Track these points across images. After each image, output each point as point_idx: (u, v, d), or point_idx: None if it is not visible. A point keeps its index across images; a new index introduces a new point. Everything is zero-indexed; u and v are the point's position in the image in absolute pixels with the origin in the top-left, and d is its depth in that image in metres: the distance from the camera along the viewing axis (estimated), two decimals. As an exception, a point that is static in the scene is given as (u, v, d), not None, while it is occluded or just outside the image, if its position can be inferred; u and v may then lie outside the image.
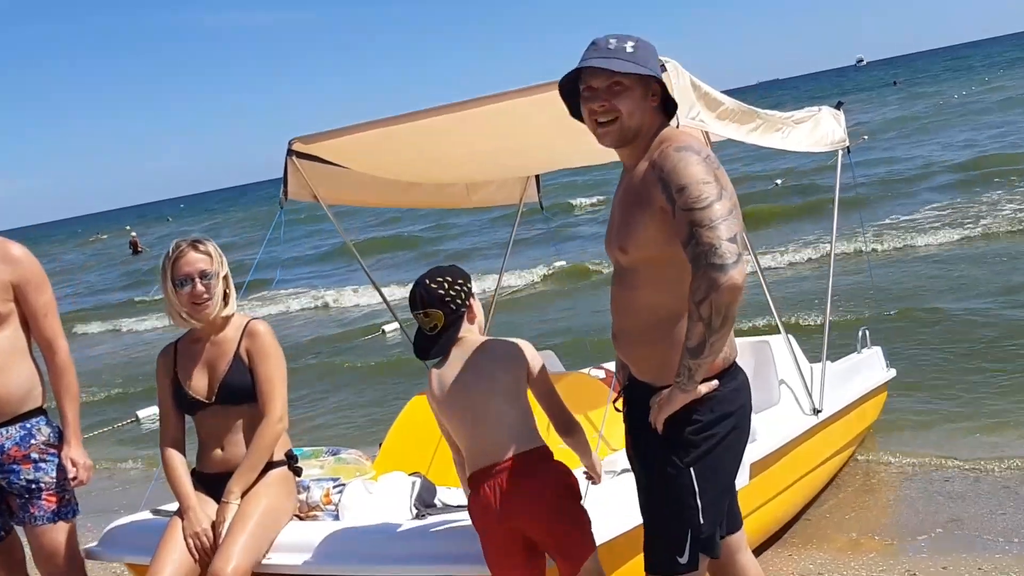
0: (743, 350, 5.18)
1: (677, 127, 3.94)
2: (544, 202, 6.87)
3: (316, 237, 32.00)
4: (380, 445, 4.62)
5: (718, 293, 2.44)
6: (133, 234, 45.40)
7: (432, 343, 3.01)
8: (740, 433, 2.74)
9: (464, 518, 3.53)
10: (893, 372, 6.46)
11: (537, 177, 6.71)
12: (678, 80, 4.01)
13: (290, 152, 4.99)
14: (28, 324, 3.70)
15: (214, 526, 3.40)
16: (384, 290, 6.20)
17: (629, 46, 2.64)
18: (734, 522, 2.98)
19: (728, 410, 2.68)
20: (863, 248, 13.08)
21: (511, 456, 2.87)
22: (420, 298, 3.01)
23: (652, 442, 2.66)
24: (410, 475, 3.83)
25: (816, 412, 4.93)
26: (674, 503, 2.64)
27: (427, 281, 3.02)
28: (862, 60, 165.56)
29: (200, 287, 3.51)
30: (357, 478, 3.81)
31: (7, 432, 3.61)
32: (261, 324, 3.62)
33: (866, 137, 26.40)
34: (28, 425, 3.65)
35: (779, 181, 23.57)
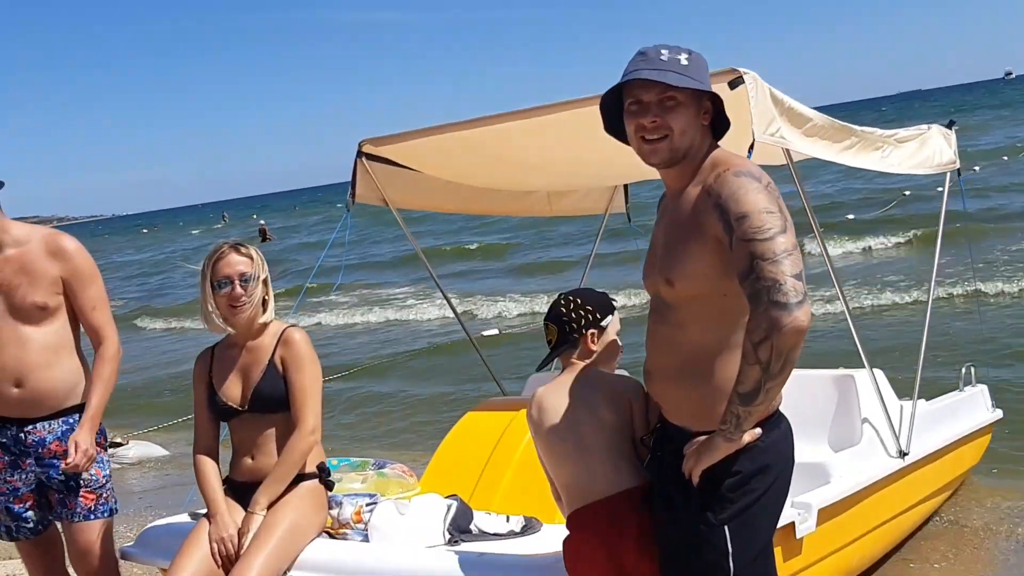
0: (825, 383, 4.90)
1: (752, 144, 3.75)
2: (633, 214, 6.63)
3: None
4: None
5: (780, 335, 2.19)
6: (262, 222, 46.62)
7: (547, 357, 3.05)
8: (781, 488, 2.48)
9: (497, 548, 3.36)
10: (999, 413, 5.98)
11: (626, 187, 6.47)
12: (756, 93, 3.75)
13: (360, 154, 4.90)
14: (77, 319, 3.69)
15: (239, 535, 3.31)
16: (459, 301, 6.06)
17: (683, 58, 2.41)
18: None
19: (770, 462, 2.42)
20: (971, 286, 11.96)
21: (617, 492, 2.74)
22: (549, 308, 3.05)
23: (684, 493, 2.43)
24: (446, 498, 3.67)
25: (902, 455, 4.57)
26: (704, 564, 2.40)
27: (561, 296, 3.03)
28: (1011, 73, 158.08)
29: (239, 289, 3.42)
30: (389, 498, 3.66)
31: (49, 426, 3.60)
32: (297, 332, 3.51)
33: (976, 169, 24.63)
34: (70, 421, 3.63)
35: (907, 192, 22.25)
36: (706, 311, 2.41)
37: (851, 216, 20.88)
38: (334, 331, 16.90)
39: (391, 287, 21.56)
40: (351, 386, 11.51)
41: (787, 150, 4.01)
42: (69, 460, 3.51)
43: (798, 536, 3.81)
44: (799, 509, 3.84)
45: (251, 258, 3.47)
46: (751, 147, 3.76)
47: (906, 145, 5.13)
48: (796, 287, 2.20)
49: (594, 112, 3.99)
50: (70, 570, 3.83)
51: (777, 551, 3.66)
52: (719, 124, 2.50)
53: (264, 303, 3.50)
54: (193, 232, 67.67)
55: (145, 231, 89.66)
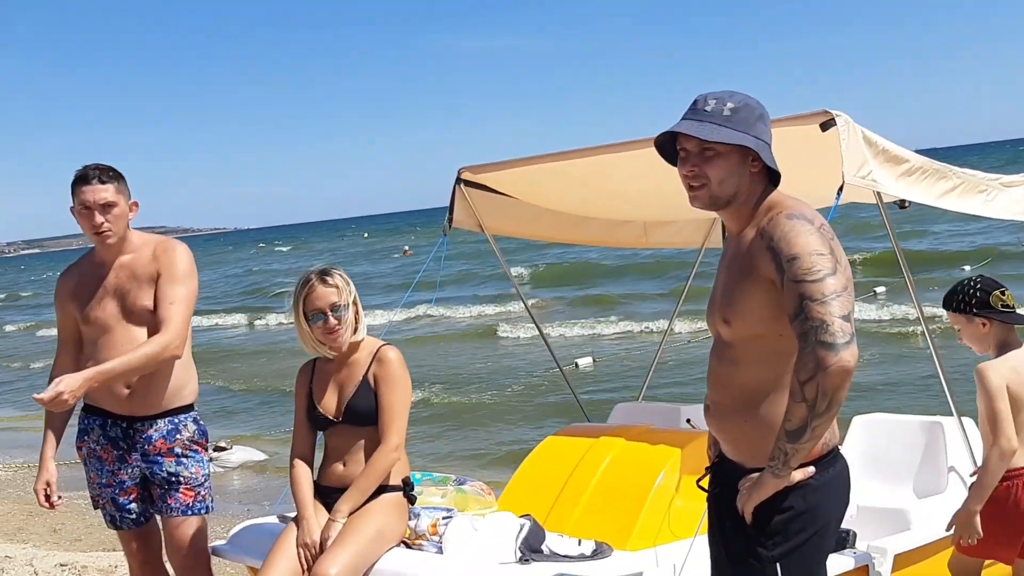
0: (913, 429, 4.83)
1: (841, 186, 3.77)
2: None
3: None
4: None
5: (825, 375, 2.25)
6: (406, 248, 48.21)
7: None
8: (833, 527, 2.52)
9: (567, 569, 3.44)
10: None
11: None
12: (848, 135, 3.78)
13: (458, 180, 5.06)
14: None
15: (322, 539, 3.47)
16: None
17: (728, 109, 2.47)
18: None
19: (823, 501, 2.46)
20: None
21: None
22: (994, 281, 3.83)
23: (737, 529, 2.49)
24: (520, 517, 3.77)
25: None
26: None
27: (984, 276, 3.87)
28: None
29: (332, 320, 3.58)
30: (464, 513, 3.78)
31: (156, 425, 3.82)
32: (392, 351, 3.66)
33: None
34: (176, 420, 3.85)
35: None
36: (761, 350, 2.47)
37: (966, 267, 20.32)
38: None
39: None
40: (446, 401, 11.77)
41: (878, 192, 4.02)
42: (40, 395, 3.48)
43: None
44: (875, 553, 3.83)
45: (338, 287, 3.62)
46: (840, 189, 3.79)
47: (1013, 190, 5.04)
48: (844, 328, 2.25)
49: None
50: (166, 563, 4.06)
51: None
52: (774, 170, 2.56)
53: (356, 322, 3.66)
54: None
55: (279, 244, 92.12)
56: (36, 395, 3.52)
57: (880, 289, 18.01)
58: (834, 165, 3.80)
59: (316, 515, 3.57)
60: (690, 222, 6.32)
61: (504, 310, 21.66)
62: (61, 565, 5.89)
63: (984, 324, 3.74)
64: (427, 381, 13.72)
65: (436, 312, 21.44)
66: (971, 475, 3.99)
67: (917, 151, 4.53)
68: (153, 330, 3.73)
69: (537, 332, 6.36)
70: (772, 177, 2.58)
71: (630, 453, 4.23)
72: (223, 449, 9.51)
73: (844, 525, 3.79)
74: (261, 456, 9.57)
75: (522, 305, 6.66)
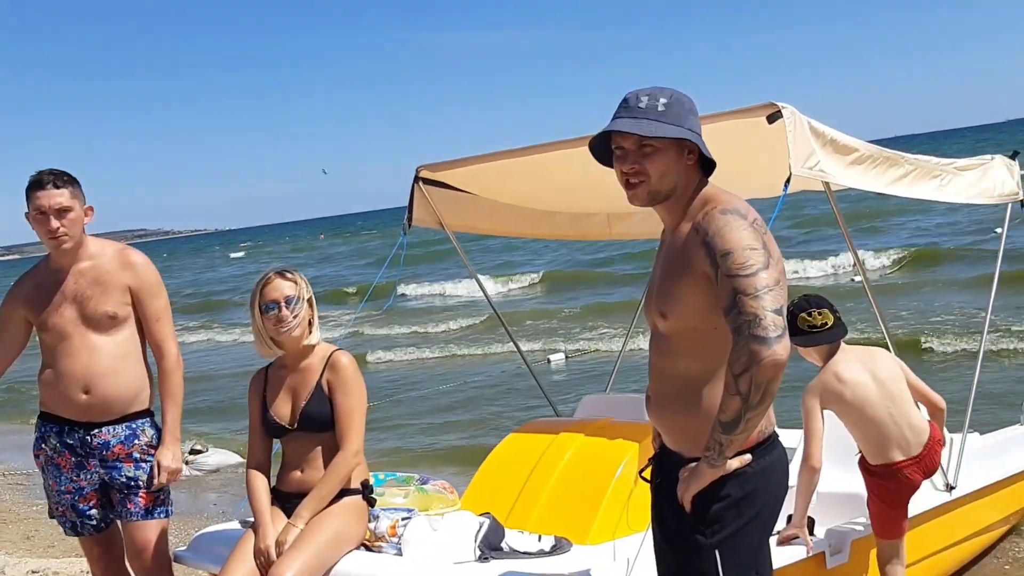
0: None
1: (789, 177, 3.80)
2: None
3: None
4: None
5: (759, 368, 2.28)
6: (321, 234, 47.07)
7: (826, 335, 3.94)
8: (771, 513, 2.55)
9: (525, 566, 3.46)
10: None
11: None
12: (794, 127, 3.81)
13: (417, 179, 5.07)
14: (143, 328, 3.92)
15: (278, 544, 3.48)
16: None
17: (661, 103, 2.50)
18: None
19: (760, 487, 2.49)
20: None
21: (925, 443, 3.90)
22: (812, 299, 4.03)
23: (677, 517, 2.52)
24: (480, 515, 3.79)
25: (949, 488, 4.53)
26: None
27: (813, 295, 4.08)
28: None
29: (284, 311, 3.61)
30: (424, 513, 3.80)
31: (114, 431, 3.82)
32: (344, 356, 3.68)
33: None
34: (134, 426, 3.85)
35: (998, 230, 21.68)
36: (698, 343, 2.50)
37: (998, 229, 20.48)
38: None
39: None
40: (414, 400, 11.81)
41: (826, 183, 4.05)
42: (155, 481, 3.78)
43: (828, 567, 3.83)
44: (831, 539, 3.87)
45: (296, 283, 3.67)
46: (788, 180, 3.82)
47: (966, 174, 5.09)
48: (776, 322, 2.28)
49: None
50: (129, 568, 4.06)
51: (801, 583, 3.72)
52: (708, 162, 2.59)
53: (310, 325, 3.68)
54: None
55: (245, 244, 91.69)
56: (156, 483, 3.80)
57: None
58: (783, 157, 3.82)
59: (274, 522, 3.58)
60: (653, 212, 6.35)
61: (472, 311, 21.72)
62: (33, 572, 5.88)
63: (800, 344, 3.94)
64: (400, 378, 13.89)
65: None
66: (855, 454, 4.11)
67: (875, 141, 4.58)
68: (112, 334, 3.80)
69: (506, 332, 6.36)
70: (705, 170, 2.60)
71: (590, 447, 4.26)
72: (199, 452, 9.49)
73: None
74: (237, 459, 9.55)
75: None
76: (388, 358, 15.75)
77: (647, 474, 2.74)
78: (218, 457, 9.52)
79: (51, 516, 4.06)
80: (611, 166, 2.65)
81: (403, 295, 20.33)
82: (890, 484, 3.85)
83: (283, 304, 3.62)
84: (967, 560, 5.04)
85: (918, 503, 4.36)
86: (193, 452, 9.48)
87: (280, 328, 3.62)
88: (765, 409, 2.34)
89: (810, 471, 3.75)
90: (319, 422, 3.61)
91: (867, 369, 3.92)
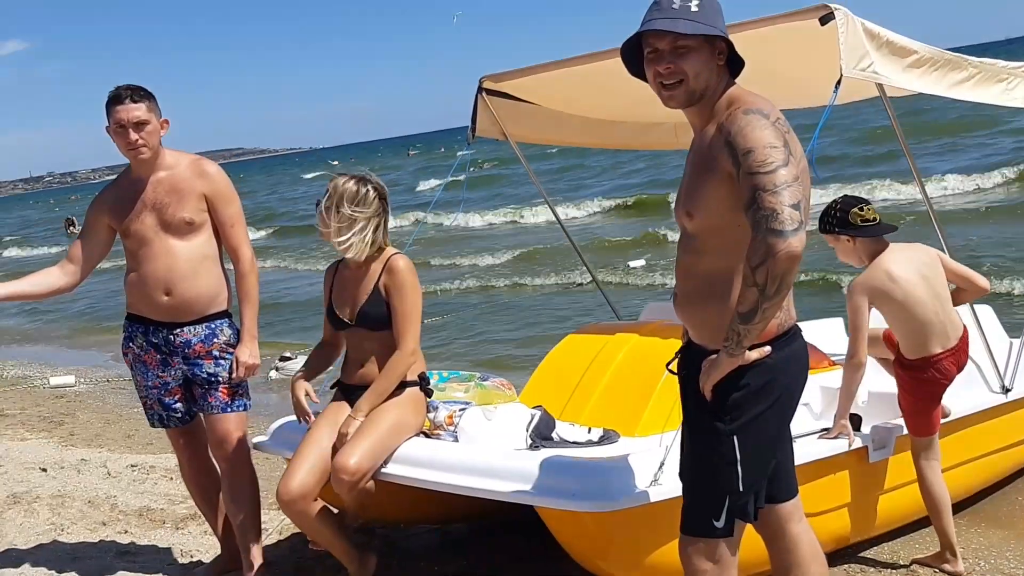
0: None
1: (839, 79, 3.81)
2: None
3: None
4: None
5: (775, 260, 2.38)
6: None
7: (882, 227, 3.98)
8: (788, 402, 2.67)
9: (573, 454, 3.66)
10: None
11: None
12: (847, 28, 3.80)
13: (480, 89, 5.17)
14: (219, 234, 4.16)
15: (340, 435, 3.73)
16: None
17: (694, 4, 2.57)
18: (787, 490, 2.90)
19: (778, 377, 2.61)
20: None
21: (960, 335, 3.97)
22: (859, 200, 4.05)
23: (699, 405, 2.66)
24: (532, 408, 3.99)
25: (1005, 391, 4.56)
26: (714, 467, 2.63)
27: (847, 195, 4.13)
28: None
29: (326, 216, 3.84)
30: (478, 405, 4.01)
31: (194, 330, 4.10)
32: (401, 260, 3.86)
33: None
34: (212, 326, 4.12)
35: None
36: (722, 241, 2.60)
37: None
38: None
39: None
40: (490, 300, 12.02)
41: (881, 86, 4.04)
42: (234, 375, 4.06)
43: (871, 461, 3.94)
44: (875, 435, 3.97)
45: (343, 196, 3.83)
46: (838, 82, 3.83)
47: None
48: (792, 216, 2.37)
49: (736, 37, 4.06)
50: (212, 458, 4.38)
51: (843, 474, 3.85)
52: (735, 63, 2.66)
53: (376, 236, 3.86)
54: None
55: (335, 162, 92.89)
56: (234, 377, 4.08)
57: None
58: (836, 60, 3.83)
59: (338, 414, 3.84)
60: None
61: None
62: (132, 466, 6.33)
63: (849, 240, 3.96)
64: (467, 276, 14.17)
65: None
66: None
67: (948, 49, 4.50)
68: (190, 239, 4.04)
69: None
70: (732, 71, 2.67)
71: (644, 346, 4.40)
72: (288, 359, 9.90)
73: (853, 410, 3.97)
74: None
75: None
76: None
77: (674, 367, 2.88)
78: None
79: (144, 409, 4.40)
80: (639, 75, 2.74)
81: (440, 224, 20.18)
82: (925, 377, 3.89)
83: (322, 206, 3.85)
84: (1019, 466, 5.06)
85: (972, 402, 4.43)
86: (283, 359, 9.90)
87: (323, 230, 3.86)
88: (781, 300, 2.45)
89: (854, 367, 3.82)
90: (375, 321, 3.83)
91: (915, 267, 3.95)
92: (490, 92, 5.20)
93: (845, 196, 4.11)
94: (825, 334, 5.21)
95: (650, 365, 4.25)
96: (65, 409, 8.85)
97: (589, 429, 3.93)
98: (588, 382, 4.33)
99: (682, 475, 2.77)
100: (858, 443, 3.88)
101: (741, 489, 2.62)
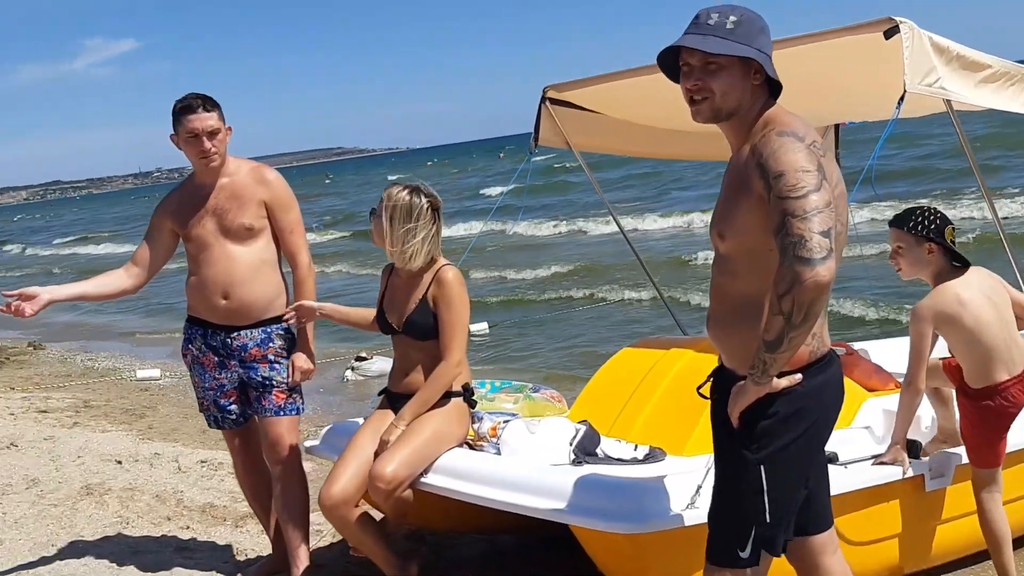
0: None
1: (903, 95, 3.69)
2: (841, 156, 6.46)
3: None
4: None
5: (801, 288, 2.32)
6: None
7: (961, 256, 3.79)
8: (819, 431, 2.59)
9: (616, 472, 3.61)
10: None
11: (836, 128, 6.32)
12: (912, 42, 3.69)
13: (544, 99, 5.16)
14: (278, 241, 4.24)
15: (381, 442, 3.76)
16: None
17: (731, 21, 2.52)
18: (820, 522, 2.80)
19: (809, 406, 2.54)
20: None
21: None
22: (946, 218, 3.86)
23: (727, 432, 2.61)
24: (577, 423, 3.96)
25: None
26: (740, 496, 2.57)
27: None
28: None
29: (381, 221, 3.88)
30: (521, 418, 4.00)
31: (250, 334, 4.18)
32: (451, 271, 3.86)
33: None
34: (268, 330, 4.20)
35: None
36: (754, 263, 2.54)
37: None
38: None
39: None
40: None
41: (948, 101, 3.90)
42: (290, 379, 4.15)
43: (928, 489, 3.80)
44: (933, 463, 3.83)
45: (397, 206, 3.86)
46: (901, 99, 3.72)
47: None
48: (822, 244, 2.31)
49: (798, 50, 4.01)
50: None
51: (896, 503, 3.72)
52: (775, 83, 2.59)
53: (430, 249, 3.88)
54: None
55: (430, 163, 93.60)
56: (291, 381, 4.18)
57: None
58: (900, 75, 3.72)
59: (383, 418, 3.90)
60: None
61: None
62: (202, 462, 6.49)
63: (930, 251, 3.75)
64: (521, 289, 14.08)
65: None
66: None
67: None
68: (249, 245, 4.13)
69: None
70: (773, 91, 2.61)
71: (698, 363, 4.32)
72: (364, 359, 10.04)
73: (911, 436, 3.84)
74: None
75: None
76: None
77: (705, 390, 2.82)
78: (380, 364, 10.02)
79: (200, 410, 4.51)
80: (679, 82, 2.70)
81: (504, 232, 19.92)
82: (992, 405, 3.74)
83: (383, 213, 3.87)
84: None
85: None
86: (358, 359, 10.04)
87: (377, 239, 3.90)
88: (808, 329, 2.38)
89: (912, 393, 3.70)
90: (422, 330, 3.85)
91: (983, 290, 3.80)
92: (553, 101, 5.19)
93: (939, 209, 3.95)
94: (897, 354, 5.05)
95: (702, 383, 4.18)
96: (148, 402, 9.12)
97: (635, 446, 3.88)
98: (639, 397, 4.28)
99: (712, 501, 2.72)
100: (913, 471, 3.75)
101: (768, 520, 2.55)
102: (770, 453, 2.53)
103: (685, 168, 31.88)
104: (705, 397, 2.82)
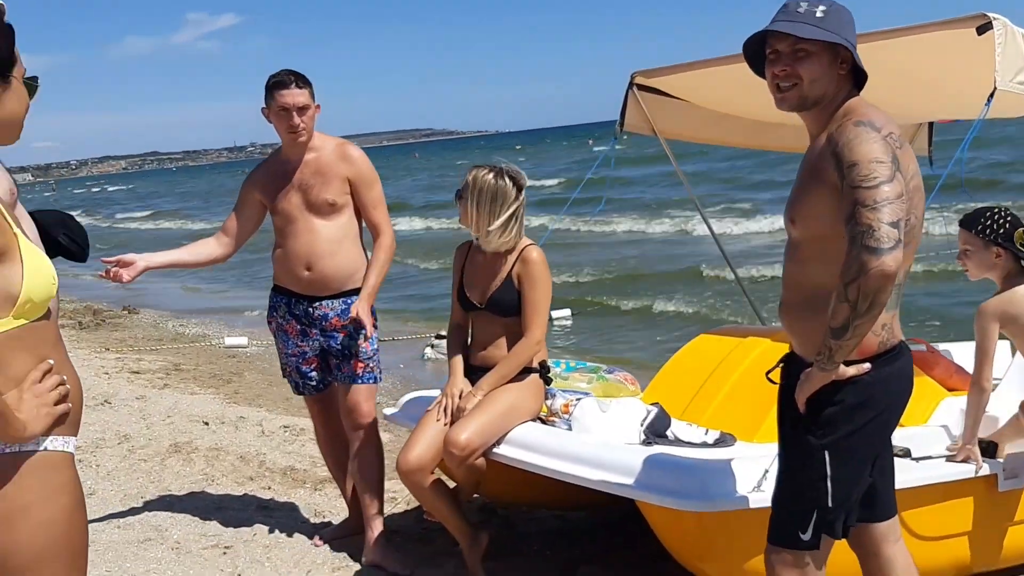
0: None
1: (992, 92, 3.65)
2: (935, 155, 6.36)
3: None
4: None
5: (867, 277, 2.36)
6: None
7: None
8: (885, 421, 2.62)
9: (686, 454, 3.67)
10: None
11: (930, 125, 6.23)
12: (1005, 38, 3.65)
13: (631, 85, 5.20)
14: (360, 216, 4.37)
15: (458, 409, 3.87)
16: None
17: (820, 11, 2.56)
18: (883, 511, 2.83)
19: (876, 396, 2.57)
20: None
21: None
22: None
23: (793, 418, 2.65)
24: (649, 405, 4.01)
25: None
26: (804, 480, 2.61)
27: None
28: None
29: (468, 206, 3.96)
30: (593, 396, 4.07)
31: (331, 304, 4.33)
32: (535, 251, 3.96)
33: None
34: (348, 301, 4.33)
35: None
36: (825, 251, 2.57)
37: None
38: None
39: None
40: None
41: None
42: (348, 323, 4.23)
43: (1001, 489, 3.77)
44: (1008, 463, 3.79)
45: (482, 188, 3.93)
46: (990, 96, 3.68)
47: None
48: (890, 234, 2.34)
49: (888, 44, 3.99)
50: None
51: (968, 501, 3.70)
52: (859, 73, 2.61)
53: (516, 227, 3.97)
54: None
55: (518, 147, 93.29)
56: (351, 318, 4.21)
57: None
58: (991, 72, 3.67)
59: (464, 384, 3.98)
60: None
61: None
62: (284, 427, 6.71)
63: (998, 255, 3.69)
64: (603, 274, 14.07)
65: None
66: None
67: None
68: (332, 219, 4.27)
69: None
70: (857, 83, 2.63)
71: (773, 353, 4.31)
72: (443, 338, 10.19)
73: (989, 437, 3.81)
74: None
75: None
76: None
77: (775, 376, 2.86)
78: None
79: (283, 376, 4.68)
80: (762, 74, 2.73)
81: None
82: None
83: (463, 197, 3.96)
84: None
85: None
86: (438, 337, 10.20)
87: (464, 221, 3.97)
88: (873, 318, 2.41)
89: (979, 391, 3.67)
90: (505, 307, 3.95)
91: None
92: (641, 88, 5.22)
93: (1011, 211, 3.90)
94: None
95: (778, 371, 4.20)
96: (234, 368, 9.43)
97: (706, 431, 3.91)
98: (713, 384, 4.31)
99: (776, 488, 2.76)
100: (987, 470, 3.72)
101: (830, 505, 2.59)
102: (835, 440, 2.57)
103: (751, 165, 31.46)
104: (773, 382, 2.86)
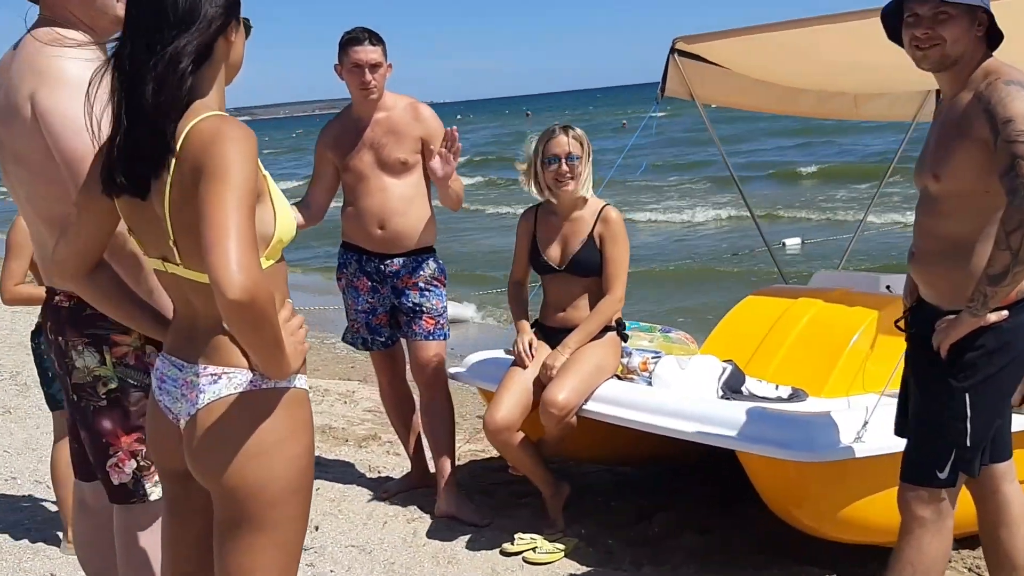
0: None
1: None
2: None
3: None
4: None
5: None
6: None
7: None
8: (1019, 367, 2.80)
9: (764, 407, 3.82)
10: None
11: (938, 92, 6.41)
12: None
13: (673, 50, 5.29)
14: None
15: (548, 368, 3.96)
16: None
17: None
18: (1001, 451, 3.01)
19: (1013, 342, 2.75)
20: None
21: None
22: None
23: (932, 362, 2.80)
24: (723, 362, 4.16)
25: None
26: (944, 421, 2.78)
27: None
28: None
29: (564, 167, 4.02)
30: (673, 355, 4.20)
31: (403, 262, 4.39)
32: (614, 211, 4.08)
33: None
34: (420, 259, 4.40)
35: None
36: (967, 204, 2.74)
37: None
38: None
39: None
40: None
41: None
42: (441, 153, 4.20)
43: None
44: None
45: (579, 141, 4.05)
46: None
47: None
48: None
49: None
50: (409, 381, 4.69)
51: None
52: (993, 36, 2.76)
53: (586, 179, 4.07)
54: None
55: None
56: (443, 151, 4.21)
57: None
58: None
59: (539, 352, 4.07)
60: (902, 95, 6.33)
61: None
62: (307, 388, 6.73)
63: None
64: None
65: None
66: None
67: None
68: (403, 178, 4.33)
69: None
70: (991, 44, 2.78)
71: (828, 312, 4.51)
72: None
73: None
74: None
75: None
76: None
77: (903, 324, 3.02)
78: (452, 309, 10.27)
79: (343, 340, 4.72)
80: (894, 39, 2.87)
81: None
82: None
83: (563, 160, 4.02)
84: None
85: None
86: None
87: (559, 182, 4.03)
88: None
89: None
90: (587, 267, 4.05)
91: None
92: (682, 54, 5.31)
93: None
94: None
95: (836, 330, 4.37)
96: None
97: (776, 386, 4.07)
98: (772, 342, 4.47)
99: (910, 428, 2.92)
100: None
101: (969, 444, 2.77)
102: (976, 382, 2.74)
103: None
104: (902, 330, 3.02)
